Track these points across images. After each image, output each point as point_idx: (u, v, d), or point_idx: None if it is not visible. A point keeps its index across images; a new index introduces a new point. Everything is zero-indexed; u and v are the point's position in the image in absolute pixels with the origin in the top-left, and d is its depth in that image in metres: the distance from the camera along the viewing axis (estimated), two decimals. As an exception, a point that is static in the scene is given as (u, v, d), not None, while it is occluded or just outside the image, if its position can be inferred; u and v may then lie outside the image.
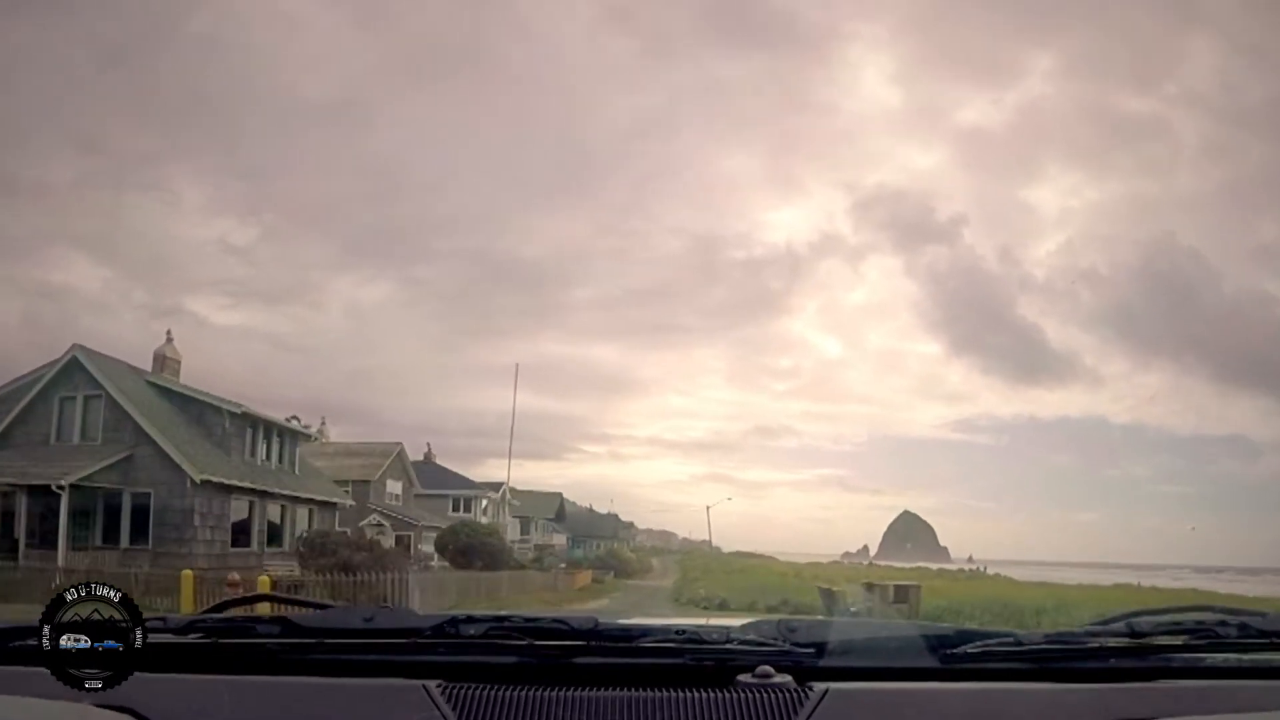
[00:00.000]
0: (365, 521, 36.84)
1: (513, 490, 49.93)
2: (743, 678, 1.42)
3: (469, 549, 32.34)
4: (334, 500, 29.88)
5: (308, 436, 29.08)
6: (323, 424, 41.08)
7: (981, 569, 75.32)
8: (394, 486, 38.91)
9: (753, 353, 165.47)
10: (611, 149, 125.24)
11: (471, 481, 46.21)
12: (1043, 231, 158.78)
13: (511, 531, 47.39)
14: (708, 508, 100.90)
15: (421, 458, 48.04)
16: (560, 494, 57.04)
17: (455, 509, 44.11)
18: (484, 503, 45.16)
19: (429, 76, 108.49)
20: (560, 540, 57.96)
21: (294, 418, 47.74)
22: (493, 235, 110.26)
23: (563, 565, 54.31)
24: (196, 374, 35.48)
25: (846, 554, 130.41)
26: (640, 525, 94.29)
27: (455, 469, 47.12)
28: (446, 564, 33.46)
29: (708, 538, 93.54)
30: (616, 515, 79.04)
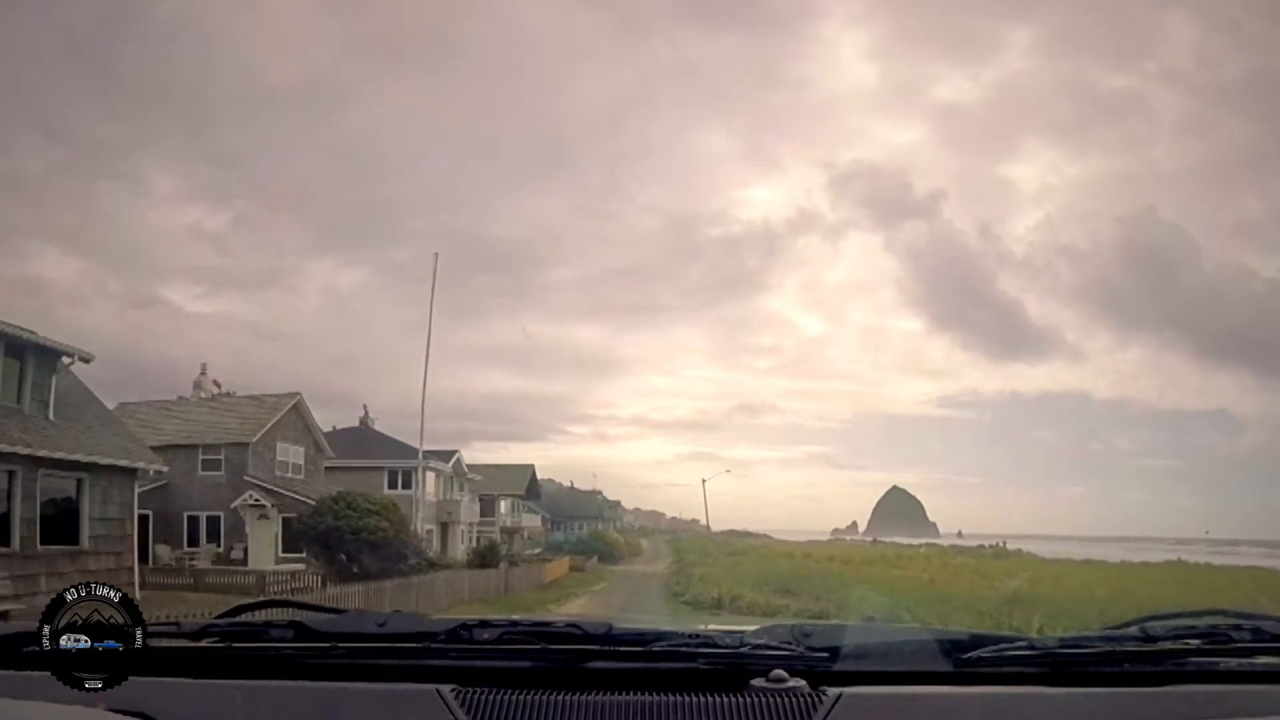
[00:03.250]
0: (239, 500, 23.93)
1: (472, 466, 37.08)
2: (756, 682, 1.32)
3: (336, 540, 19.38)
4: (134, 466, 16.95)
5: (71, 358, 16.21)
6: (202, 371, 28.02)
7: (1001, 544, 64.04)
8: (291, 453, 26.05)
9: (734, 331, 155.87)
10: (587, 129, 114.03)
11: (416, 450, 33.26)
12: (1022, 207, 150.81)
13: (468, 512, 34.61)
14: (703, 481, 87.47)
15: (357, 422, 35.28)
16: (532, 466, 44.35)
17: (392, 485, 31.25)
18: (430, 476, 32.25)
19: (401, 59, 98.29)
20: (534, 522, 45.24)
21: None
22: (470, 217, 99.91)
23: (538, 550, 41.84)
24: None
25: (835, 530, 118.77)
26: (628, 505, 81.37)
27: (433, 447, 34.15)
28: (312, 563, 20.68)
29: (697, 516, 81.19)
30: (601, 493, 66.49)
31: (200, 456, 24.85)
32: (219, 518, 24.40)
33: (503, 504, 40.37)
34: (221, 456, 24.43)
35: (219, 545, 24.32)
